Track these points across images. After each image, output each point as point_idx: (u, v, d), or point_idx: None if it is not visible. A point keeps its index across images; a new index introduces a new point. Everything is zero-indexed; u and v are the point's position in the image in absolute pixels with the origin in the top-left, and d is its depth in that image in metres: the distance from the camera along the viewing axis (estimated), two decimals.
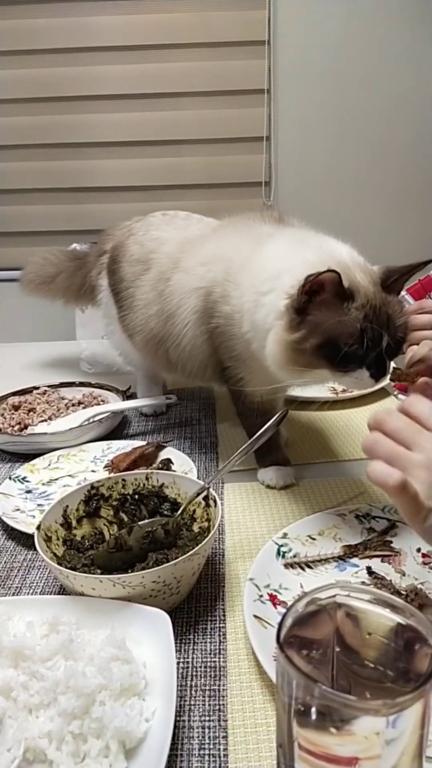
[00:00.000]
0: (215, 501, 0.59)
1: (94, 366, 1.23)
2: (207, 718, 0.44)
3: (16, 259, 2.15)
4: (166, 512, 0.63)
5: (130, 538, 0.56)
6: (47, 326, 1.65)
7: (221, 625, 0.53)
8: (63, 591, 0.56)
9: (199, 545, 0.52)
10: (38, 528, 0.56)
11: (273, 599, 0.54)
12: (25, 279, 1.17)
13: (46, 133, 2.07)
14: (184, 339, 0.81)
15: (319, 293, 0.60)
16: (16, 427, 0.88)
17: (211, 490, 0.60)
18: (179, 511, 0.59)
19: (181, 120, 2.08)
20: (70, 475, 0.79)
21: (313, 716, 0.31)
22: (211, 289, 0.76)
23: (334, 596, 0.34)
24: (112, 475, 0.66)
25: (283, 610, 0.53)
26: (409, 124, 2.08)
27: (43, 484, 0.77)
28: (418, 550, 0.60)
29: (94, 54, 2.02)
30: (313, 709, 0.31)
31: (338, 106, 2.06)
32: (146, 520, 0.59)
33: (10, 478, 0.76)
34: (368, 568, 0.58)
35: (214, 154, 2.10)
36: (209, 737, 0.43)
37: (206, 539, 0.53)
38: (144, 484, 0.65)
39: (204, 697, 0.46)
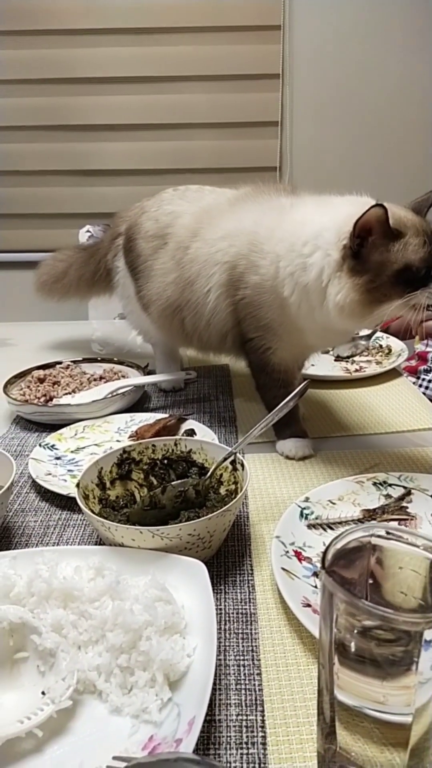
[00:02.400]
0: (242, 465, 0.62)
1: (105, 347, 1.26)
2: (241, 658, 0.48)
3: (31, 242, 2.18)
4: (193, 476, 0.66)
5: (163, 497, 0.59)
6: (60, 307, 1.68)
7: (249, 578, 0.57)
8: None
9: (231, 502, 0.55)
10: (77, 486, 0.59)
11: (298, 555, 0.58)
12: (38, 282, 1.17)
13: (59, 115, 2.08)
14: (204, 309, 0.83)
15: (371, 233, 0.65)
16: (42, 399, 0.91)
17: (238, 454, 0.64)
18: (209, 473, 0.63)
19: (194, 104, 2.09)
20: (96, 444, 0.82)
21: (353, 648, 0.34)
22: (235, 262, 0.78)
23: (371, 535, 0.37)
24: (142, 440, 0.69)
25: (308, 565, 0.57)
26: (422, 109, 2.10)
27: (71, 452, 0.80)
28: None
29: (108, 36, 2.03)
30: (353, 644, 0.34)
31: (351, 91, 2.08)
32: (178, 481, 0.62)
33: (39, 446, 0.80)
34: (387, 531, 0.61)
35: (226, 139, 2.12)
36: (244, 674, 0.46)
37: (237, 497, 0.56)
38: (173, 450, 0.68)
39: (237, 639, 0.49)
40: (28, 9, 1.98)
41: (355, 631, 0.35)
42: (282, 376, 0.81)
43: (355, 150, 2.11)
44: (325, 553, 0.35)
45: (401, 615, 0.30)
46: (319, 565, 0.57)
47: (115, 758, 0.36)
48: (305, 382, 0.68)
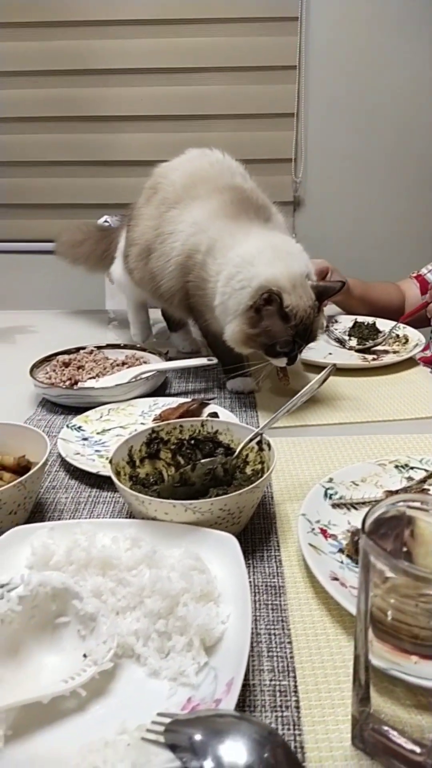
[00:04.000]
0: (269, 445, 0.64)
1: (121, 337, 1.28)
2: (272, 627, 0.49)
3: (49, 232, 2.19)
4: (220, 456, 0.67)
5: (193, 475, 0.61)
6: (79, 296, 1.70)
7: (276, 553, 0.58)
8: None
9: (261, 479, 0.57)
10: (110, 461, 0.61)
11: (324, 532, 0.59)
12: (59, 241, 1.39)
13: (77, 106, 2.09)
14: (166, 265, 0.99)
15: (269, 304, 0.84)
16: (67, 383, 0.93)
17: (263, 435, 0.65)
18: (237, 452, 0.64)
19: (210, 95, 2.09)
20: (121, 427, 0.84)
21: (388, 617, 0.36)
22: (194, 251, 0.94)
23: (407, 506, 0.38)
24: (170, 421, 0.70)
25: (334, 542, 0.58)
26: None
27: (97, 433, 0.82)
28: None
29: (125, 27, 2.03)
30: (390, 612, 0.36)
31: (367, 84, 2.07)
32: (207, 459, 0.64)
33: (67, 427, 0.81)
34: (422, 503, 0.63)
35: (242, 130, 2.12)
36: (275, 642, 0.48)
37: (266, 474, 0.58)
38: (199, 431, 0.69)
39: (267, 610, 0.51)
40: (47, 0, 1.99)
41: (391, 600, 0.36)
42: (221, 338, 0.93)
43: (370, 143, 2.11)
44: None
45: None
46: (344, 542, 0.58)
47: (159, 715, 0.38)
48: (331, 365, 0.69)
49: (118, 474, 0.61)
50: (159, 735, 0.36)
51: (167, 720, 0.37)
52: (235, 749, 0.34)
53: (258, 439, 0.65)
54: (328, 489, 0.65)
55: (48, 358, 1.02)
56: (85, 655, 0.43)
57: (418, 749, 0.37)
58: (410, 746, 0.37)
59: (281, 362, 0.89)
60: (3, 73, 2.07)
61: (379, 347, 1.16)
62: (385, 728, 0.38)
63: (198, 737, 0.35)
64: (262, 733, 0.35)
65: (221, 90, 2.09)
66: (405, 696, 0.37)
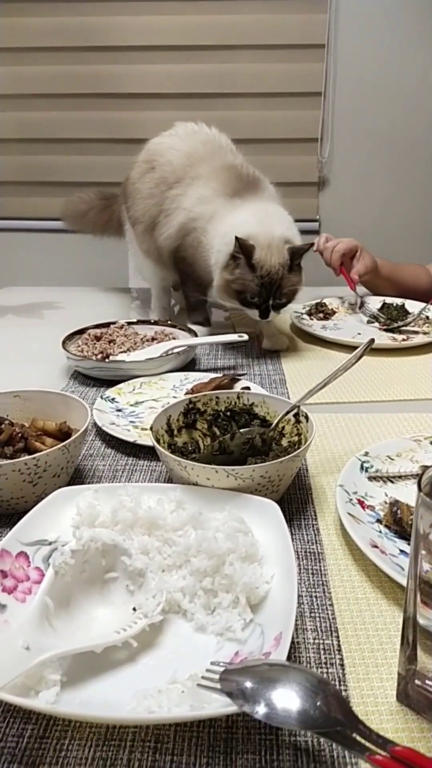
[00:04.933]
0: (307, 417, 0.64)
1: (144, 316, 1.28)
2: (313, 590, 0.50)
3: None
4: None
5: (232, 443, 0.62)
6: (103, 273, 1.71)
7: (314, 522, 0.59)
8: None
9: (301, 448, 0.57)
10: (150, 428, 0.62)
11: (361, 504, 0.60)
12: (63, 213, 1.46)
13: (99, 83, 2.08)
14: (167, 229, 1.13)
15: (242, 253, 0.97)
16: (99, 356, 0.94)
17: (301, 407, 0.66)
18: (275, 422, 0.65)
19: (237, 73, 2.07)
20: (154, 399, 0.85)
21: None
22: (195, 218, 1.09)
23: None
24: (207, 392, 0.71)
25: (372, 512, 0.59)
26: None
27: (131, 405, 0.83)
28: None
29: (152, 3, 2.01)
30: None
31: (397, 63, 2.03)
32: (246, 429, 0.65)
33: (101, 398, 0.83)
34: None
35: (267, 109, 2.09)
36: (317, 604, 0.49)
37: (306, 443, 0.58)
38: (235, 403, 0.70)
39: (308, 574, 0.52)
40: None
41: None
42: (200, 285, 1.11)
43: (396, 123, 2.07)
44: (420, 477, 0.36)
45: None
46: (382, 513, 0.59)
47: (212, 663, 0.39)
48: (369, 340, 0.69)
49: (157, 441, 0.62)
50: (213, 682, 0.37)
51: (219, 669, 0.38)
52: (288, 696, 0.35)
53: (295, 411, 0.66)
54: (364, 462, 0.66)
55: (79, 332, 1.03)
56: (134, 609, 0.45)
57: None
58: None
59: (254, 314, 1.01)
60: (16, 50, 2.06)
61: (408, 328, 1.15)
62: (430, 684, 0.39)
63: (249, 684, 0.36)
64: (313, 682, 0.36)
65: (247, 68, 2.07)
66: None
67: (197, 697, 0.37)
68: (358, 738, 0.34)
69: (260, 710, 0.34)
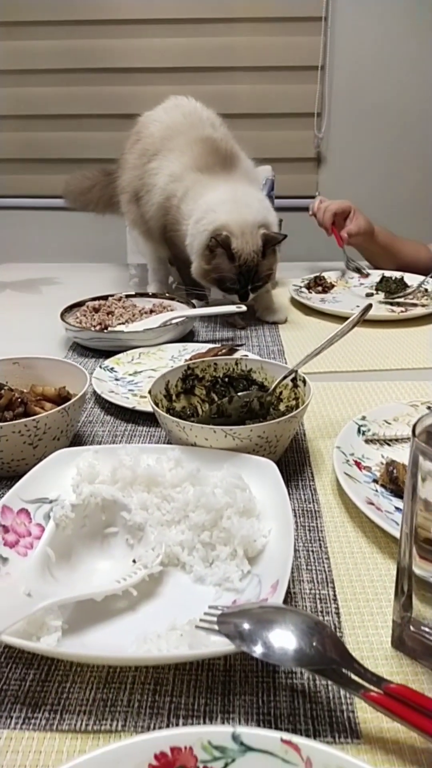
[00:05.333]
0: (304, 381, 0.65)
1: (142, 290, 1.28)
2: (309, 545, 0.51)
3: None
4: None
5: (230, 407, 0.62)
6: (101, 250, 1.70)
7: (311, 483, 0.60)
8: None
9: (298, 409, 0.58)
10: (149, 392, 0.62)
11: (358, 465, 0.60)
12: (67, 190, 1.43)
13: (96, 58, 2.05)
14: (150, 206, 1.14)
15: (220, 246, 0.99)
16: (98, 327, 0.94)
17: (299, 372, 0.66)
18: (273, 386, 0.65)
19: (235, 46, 2.04)
20: (152, 369, 0.85)
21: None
22: (171, 196, 1.10)
23: None
24: (206, 358, 0.71)
25: (368, 473, 0.59)
26: None
27: (130, 374, 0.83)
28: None
29: None
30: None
31: (396, 36, 2.00)
32: (244, 392, 0.65)
33: (100, 368, 0.83)
34: None
35: (265, 83, 2.06)
36: (313, 558, 0.50)
37: (304, 405, 0.59)
38: (234, 369, 0.70)
39: (305, 530, 0.53)
40: None
41: None
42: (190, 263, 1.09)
43: (396, 98, 2.05)
44: (414, 426, 0.37)
45: None
46: (378, 473, 0.59)
47: (210, 607, 0.40)
48: (367, 304, 0.69)
49: (156, 405, 0.62)
50: (211, 625, 0.38)
51: (217, 612, 0.39)
52: (284, 636, 0.36)
53: (293, 376, 0.66)
54: (361, 426, 0.67)
55: (77, 305, 1.03)
56: (134, 561, 0.46)
57: None
58: None
59: (234, 298, 1.03)
60: (12, 24, 2.03)
61: (406, 300, 1.15)
62: (425, 630, 0.40)
63: (247, 626, 0.36)
64: (309, 623, 0.37)
65: (245, 42, 2.03)
66: None
67: (196, 639, 0.38)
68: (353, 677, 0.35)
69: (257, 649, 0.35)
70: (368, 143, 2.09)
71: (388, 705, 0.33)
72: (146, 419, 0.73)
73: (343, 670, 0.35)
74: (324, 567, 0.48)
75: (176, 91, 2.11)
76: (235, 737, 0.32)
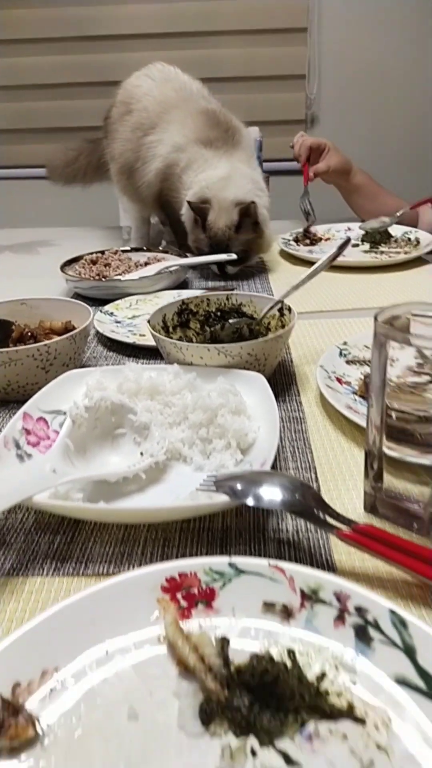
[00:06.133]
0: (290, 309, 0.71)
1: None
2: (295, 442, 0.58)
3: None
4: None
5: (222, 333, 0.68)
6: (95, 214, 1.74)
7: (297, 397, 0.66)
8: None
9: (285, 329, 0.64)
10: (148, 321, 0.68)
11: (339, 380, 0.67)
12: (52, 165, 1.44)
13: (79, 25, 2.06)
14: (146, 174, 1.19)
15: (197, 215, 1.09)
16: (96, 278, 1.00)
17: (285, 301, 0.72)
18: (263, 314, 0.72)
19: (220, 10, 2.05)
20: (149, 314, 0.91)
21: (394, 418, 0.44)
22: (173, 165, 1.15)
23: (411, 313, 0.46)
24: (199, 293, 0.77)
25: (348, 387, 0.66)
26: None
27: (129, 318, 0.89)
28: None
29: None
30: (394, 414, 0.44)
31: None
32: (235, 319, 0.71)
33: (100, 312, 0.89)
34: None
35: (253, 46, 2.08)
36: (298, 451, 0.56)
37: (289, 325, 0.65)
38: (225, 303, 0.76)
39: (291, 432, 0.60)
40: None
41: (395, 404, 0.44)
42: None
43: (385, 57, 2.07)
44: (376, 315, 0.43)
45: None
46: (357, 386, 0.66)
47: (208, 476, 0.47)
48: (346, 238, 0.75)
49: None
50: (210, 487, 0.45)
51: (213, 479, 0.46)
52: (272, 491, 0.42)
53: (279, 306, 0.73)
54: (342, 350, 0.73)
55: (76, 259, 1.08)
56: (141, 453, 0.52)
57: (418, 506, 0.46)
58: (414, 505, 0.46)
59: (214, 269, 1.10)
60: None
61: (391, 249, 1.21)
62: (394, 494, 0.47)
63: (240, 486, 0.43)
64: (294, 482, 0.43)
65: (230, 5, 2.04)
66: (411, 473, 0.46)
67: (198, 498, 0.45)
68: (329, 520, 0.42)
69: (250, 500, 0.42)
70: (358, 103, 2.12)
71: (357, 539, 0.41)
72: (146, 354, 0.79)
73: (321, 515, 0.42)
74: (307, 458, 0.55)
75: (163, 56, 2.12)
76: (231, 564, 0.39)
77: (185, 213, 1.12)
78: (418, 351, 0.43)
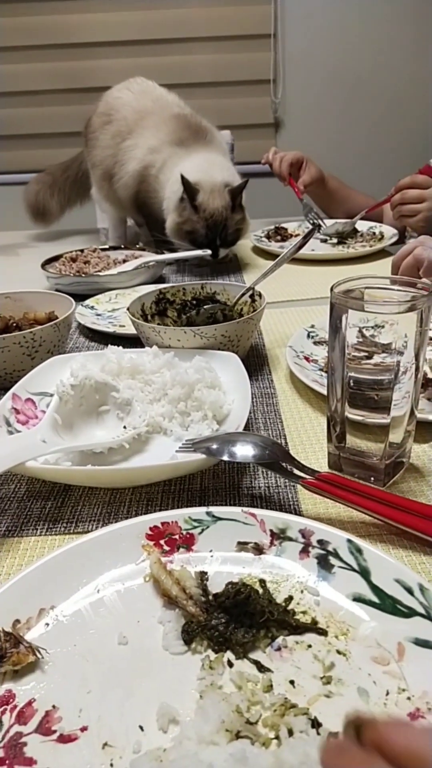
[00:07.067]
0: (260, 294, 0.76)
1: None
2: (267, 414, 0.63)
3: (41, 162, 2.23)
4: None
5: (197, 318, 0.73)
6: (73, 217, 1.77)
7: (268, 376, 0.71)
8: None
9: (255, 311, 0.69)
10: (128, 309, 0.72)
11: (306, 359, 0.72)
12: (30, 199, 1.44)
13: (51, 33, 2.10)
14: (124, 178, 1.25)
15: (187, 195, 1.09)
16: (76, 274, 1.03)
17: (255, 288, 0.77)
18: (235, 300, 0.76)
19: (188, 18, 2.10)
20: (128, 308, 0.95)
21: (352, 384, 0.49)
22: (149, 166, 1.21)
23: (365, 286, 0.51)
24: (175, 284, 0.82)
25: (315, 365, 0.71)
26: (413, 24, 2.11)
27: (108, 311, 0.93)
28: None
29: None
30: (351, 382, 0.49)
31: (344, 1, 2.09)
32: (210, 305, 0.76)
33: (82, 305, 0.93)
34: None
35: (220, 52, 2.14)
36: (270, 421, 0.61)
37: (260, 308, 0.70)
38: (200, 292, 0.81)
39: (263, 406, 0.64)
40: None
41: (351, 372, 0.49)
42: (161, 227, 1.18)
43: (348, 60, 2.15)
44: (333, 287, 0.48)
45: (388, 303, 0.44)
46: (323, 363, 0.71)
47: (186, 440, 0.51)
48: (314, 227, 0.81)
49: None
50: (188, 449, 0.49)
51: (190, 444, 0.50)
52: (245, 448, 0.47)
53: (250, 293, 0.77)
54: (310, 332, 0.78)
55: (56, 258, 1.12)
56: (125, 427, 0.56)
57: (375, 459, 0.51)
58: (371, 459, 0.51)
59: (206, 253, 1.10)
60: None
61: (357, 243, 1.27)
62: (356, 451, 0.52)
63: (215, 445, 0.48)
64: (266, 441, 0.48)
65: (197, 13, 2.10)
66: (370, 432, 0.51)
67: (177, 460, 0.49)
68: (296, 471, 0.47)
69: (225, 456, 0.46)
70: (323, 106, 2.19)
71: (320, 486, 0.45)
72: (126, 344, 0.81)
73: (288, 467, 0.47)
74: (278, 427, 0.60)
75: (134, 63, 2.17)
76: (208, 512, 0.44)
77: (170, 199, 1.13)
78: (359, 331, 0.48)
